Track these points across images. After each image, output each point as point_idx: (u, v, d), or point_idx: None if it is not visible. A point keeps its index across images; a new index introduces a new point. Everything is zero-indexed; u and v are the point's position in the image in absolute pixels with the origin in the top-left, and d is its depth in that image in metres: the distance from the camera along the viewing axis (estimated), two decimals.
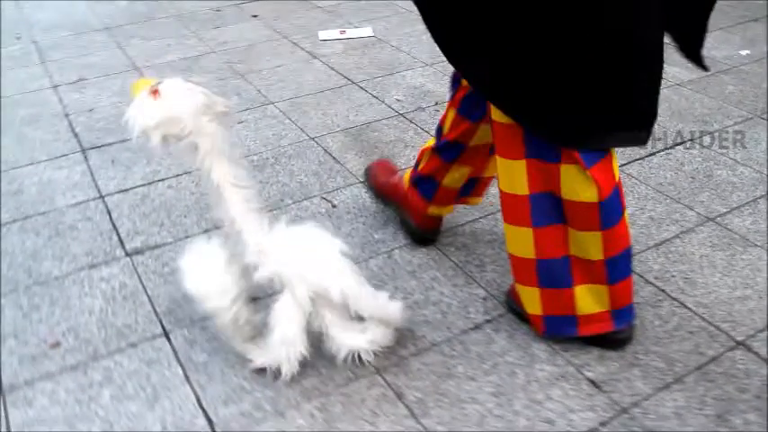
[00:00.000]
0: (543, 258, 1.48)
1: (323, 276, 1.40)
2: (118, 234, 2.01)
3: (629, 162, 2.24)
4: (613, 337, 1.56)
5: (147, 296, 1.77)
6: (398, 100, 2.71)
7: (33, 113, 2.74)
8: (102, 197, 2.19)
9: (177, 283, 1.72)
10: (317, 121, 2.60)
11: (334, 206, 2.09)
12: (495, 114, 1.42)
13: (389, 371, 1.53)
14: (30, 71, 3.12)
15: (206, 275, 1.48)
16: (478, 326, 1.65)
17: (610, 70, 1.28)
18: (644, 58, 1.31)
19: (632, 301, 1.55)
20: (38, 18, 3.81)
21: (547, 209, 1.44)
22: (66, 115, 2.72)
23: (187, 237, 1.99)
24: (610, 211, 1.42)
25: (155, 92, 1.30)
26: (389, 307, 1.55)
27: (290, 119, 2.62)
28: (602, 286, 1.50)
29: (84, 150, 2.47)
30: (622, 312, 1.54)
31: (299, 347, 1.44)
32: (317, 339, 1.48)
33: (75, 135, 2.57)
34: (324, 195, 2.14)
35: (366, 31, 3.41)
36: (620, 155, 2.26)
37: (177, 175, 2.28)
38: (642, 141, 1.39)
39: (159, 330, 1.66)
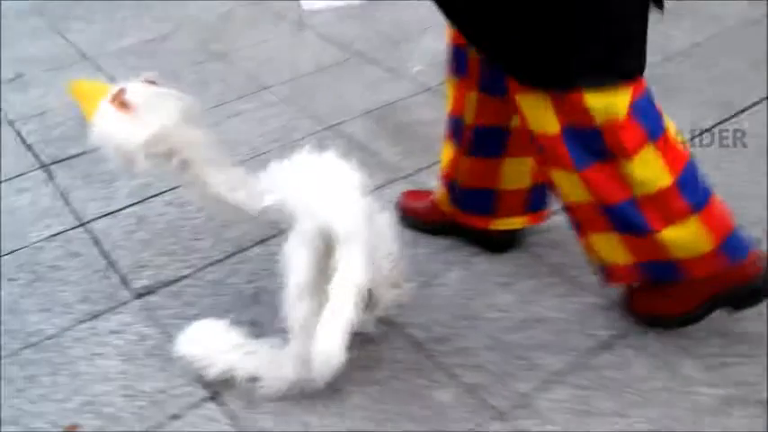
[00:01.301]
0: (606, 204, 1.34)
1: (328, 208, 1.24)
2: (117, 271, 1.75)
3: None
4: (742, 289, 1.39)
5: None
6: (420, 71, 2.50)
7: None
8: (83, 224, 1.92)
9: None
10: (329, 105, 2.37)
11: (381, 210, 1.88)
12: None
13: (514, 414, 1.35)
14: None
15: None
16: (605, 344, 1.48)
17: None
18: None
19: (735, 225, 1.38)
20: None
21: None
22: (11, 122, 2.41)
23: (208, 265, 1.74)
24: (649, 116, 1.29)
25: (122, 104, 1.20)
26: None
27: (295, 105, 2.38)
28: (688, 219, 1.33)
29: (45, 166, 2.17)
30: (731, 242, 1.37)
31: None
32: None
33: (29, 147, 2.27)
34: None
35: None
36: None
37: (174, 188, 2.02)
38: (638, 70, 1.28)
39: (203, 393, 1.43)
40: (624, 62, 1.27)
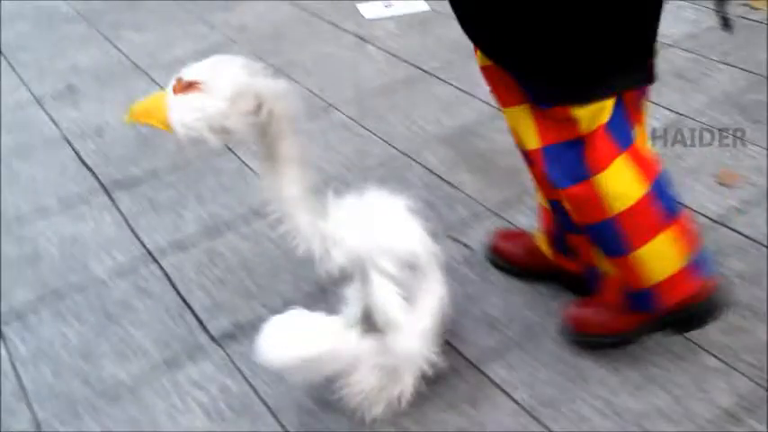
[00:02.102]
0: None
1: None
2: (193, 311, 1.67)
3: None
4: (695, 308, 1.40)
5: (267, 406, 1.44)
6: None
7: (21, 141, 2.34)
8: (152, 257, 1.84)
9: (299, 385, 1.42)
10: (402, 128, 2.27)
11: (469, 249, 1.78)
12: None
13: None
14: None
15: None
16: (734, 416, 1.37)
17: None
18: None
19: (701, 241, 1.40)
20: None
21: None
22: (68, 141, 2.33)
23: (288, 306, 1.65)
24: (619, 126, 1.28)
25: (187, 86, 1.13)
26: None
27: (365, 127, 2.28)
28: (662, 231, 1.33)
29: (107, 190, 2.09)
30: (700, 259, 1.39)
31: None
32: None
33: (89, 169, 2.19)
34: (451, 234, 1.83)
35: (419, 4, 3.06)
36: None
37: (246, 218, 1.93)
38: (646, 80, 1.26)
39: None
40: (621, 79, 1.23)
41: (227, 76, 1.16)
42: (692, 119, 2.19)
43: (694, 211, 1.82)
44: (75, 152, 2.27)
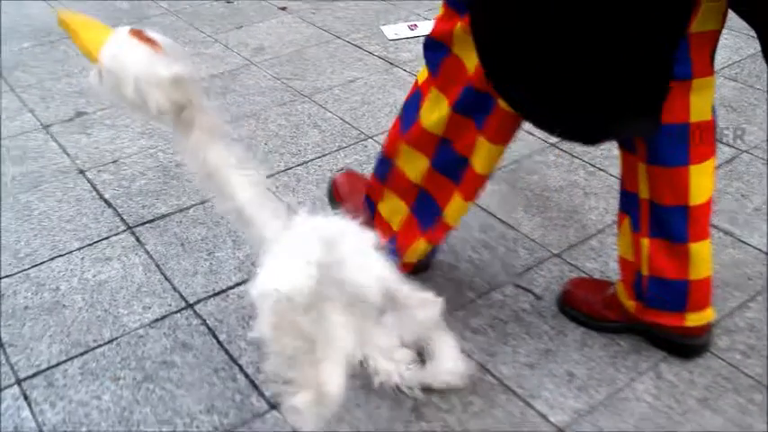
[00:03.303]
0: None
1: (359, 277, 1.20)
2: (244, 372, 1.52)
3: None
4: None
5: None
6: None
7: (30, 172, 2.18)
8: (189, 304, 1.69)
9: None
10: None
11: (538, 297, 1.66)
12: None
13: None
14: None
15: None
16: None
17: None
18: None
19: None
20: None
21: None
22: (82, 172, 2.18)
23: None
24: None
25: (146, 39, 1.15)
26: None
27: None
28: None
29: (131, 228, 1.94)
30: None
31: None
32: None
33: (108, 204, 2.04)
34: (517, 282, 1.71)
35: None
36: None
37: None
38: (650, 131, 1.29)
39: None
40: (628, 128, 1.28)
41: (177, 57, 1.17)
42: (748, 152, 2.12)
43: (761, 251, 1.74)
44: (92, 184, 2.11)
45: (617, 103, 1.20)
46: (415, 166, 1.52)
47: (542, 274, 1.72)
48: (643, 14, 1.11)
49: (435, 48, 1.44)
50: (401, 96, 2.47)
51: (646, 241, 1.42)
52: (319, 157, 2.18)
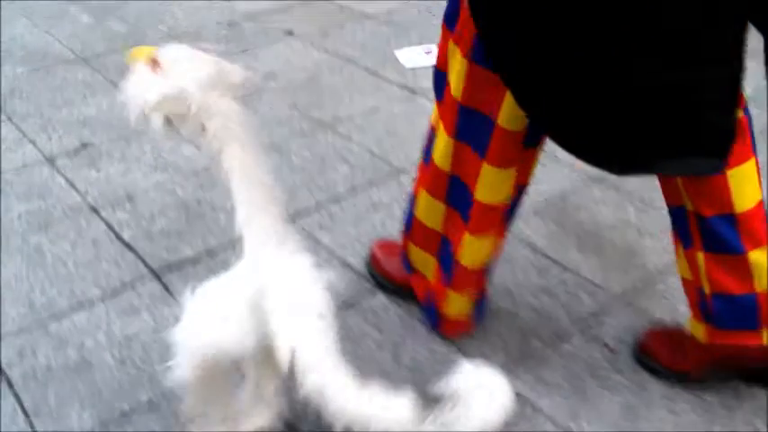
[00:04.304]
0: None
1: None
2: None
3: None
4: None
5: None
6: None
7: (38, 211, 2.00)
8: None
9: None
10: None
11: (612, 350, 1.55)
12: None
13: None
14: None
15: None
16: None
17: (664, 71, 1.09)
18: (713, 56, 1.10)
19: None
20: None
21: None
22: (95, 210, 2.01)
23: None
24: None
25: (154, 63, 1.20)
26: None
27: None
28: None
29: (156, 274, 1.78)
30: None
31: None
32: None
33: (128, 246, 1.87)
34: (586, 331, 1.59)
35: None
36: None
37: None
38: (713, 169, 1.23)
39: None
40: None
41: (179, 72, 1.19)
42: None
43: None
44: (107, 224, 1.95)
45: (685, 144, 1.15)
46: (433, 213, 1.50)
47: (610, 321, 1.61)
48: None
49: (440, 76, 1.43)
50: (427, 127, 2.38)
51: (700, 255, 1.34)
52: (351, 194, 2.05)
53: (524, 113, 1.23)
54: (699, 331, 1.43)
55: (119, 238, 1.90)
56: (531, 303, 1.67)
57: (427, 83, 2.67)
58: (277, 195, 1.22)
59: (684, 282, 1.44)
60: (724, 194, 1.28)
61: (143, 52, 1.24)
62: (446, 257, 1.51)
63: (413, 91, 2.58)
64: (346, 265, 1.79)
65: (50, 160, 2.22)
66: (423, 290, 1.61)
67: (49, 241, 1.89)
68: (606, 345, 1.56)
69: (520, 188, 1.44)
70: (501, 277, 1.71)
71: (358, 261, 1.80)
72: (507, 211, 1.45)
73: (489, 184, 1.37)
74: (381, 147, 2.27)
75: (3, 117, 2.45)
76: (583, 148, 1.21)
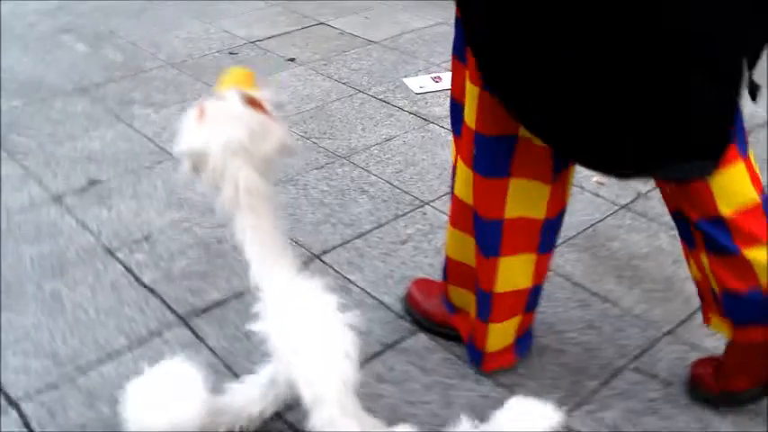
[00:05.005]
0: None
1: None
2: None
3: None
4: None
5: None
6: (600, 184, 2.17)
7: (50, 254, 1.91)
8: (279, 416, 1.47)
9: None
10: None
11: (661, 380, 1.51)
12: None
13: None
14: None
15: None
16: None
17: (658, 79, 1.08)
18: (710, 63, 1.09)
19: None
20: None
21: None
22: (110, 252, 1.92)
23: None
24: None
25: (200, 113, 1.18)
26: None
27: None
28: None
29: (183, 319, 1.71)
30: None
31: None
32: None
33: (152, 291, 1.79)
34: (638, 366, 1.55)
35: None
36: None
37: (372, 352, 1.60)
38: (706, 172, 1.21)
39: None
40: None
41: (213, 129, 1.17)
42: None
43: None
44: (125, 266, 1.87)
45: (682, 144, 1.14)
46: (463, 247, 1.48)
47: (660, 356, 1.58)
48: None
49: (456, 109, 1.42)
50: (445, 156, 2.34)
51: (704, 256, 1.33)
52: (377, 228, 2.00)
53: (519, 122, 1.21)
54: (724, 328, 1.40)
55: (138, 281, 1.82)
56: (577, 339, 1.63)
57: (438, 110, 2.65)
58: (290, 254, 1.24)
59: (697, 284, 1.43)
60: (705, 198, 1.26)
61: (236, 77, 1.24)
62: (480, 292, 1.47)
63: (425, 119, 2.54)
64: (381, 304, 1.73)
65: (57, 199, 2.14)
66: (467, 328, 1.57)
67: (66, 287, 1.80)
68: (658, 377, 1.52)
69: (559, 211, 1.42)
70: (542, 313, 1.67)
71: (393, 300, 1.74)
72: (543, 226, 1.41)
73: (516, 198, 1.35)
74: (401, 178, 2.22)
75: (3, 154, 2.36)
76: (579, 151, 1.20)
